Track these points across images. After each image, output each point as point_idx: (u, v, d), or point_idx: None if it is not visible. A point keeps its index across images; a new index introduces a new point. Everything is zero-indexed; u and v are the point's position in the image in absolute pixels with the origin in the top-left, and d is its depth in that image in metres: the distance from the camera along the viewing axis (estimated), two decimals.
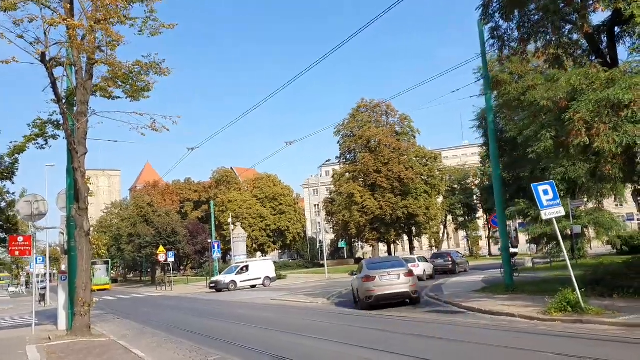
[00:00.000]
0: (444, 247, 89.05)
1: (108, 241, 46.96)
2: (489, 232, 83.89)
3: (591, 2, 15.21)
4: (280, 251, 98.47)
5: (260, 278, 40.16)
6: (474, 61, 32.49)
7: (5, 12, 13.11)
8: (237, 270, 39.86)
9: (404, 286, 17.95)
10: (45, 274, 42.98)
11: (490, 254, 79.71)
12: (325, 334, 12.85)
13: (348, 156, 65.51)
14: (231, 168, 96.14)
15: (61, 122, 15.06)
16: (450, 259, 37.71)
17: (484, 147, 44.41)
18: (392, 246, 75.70)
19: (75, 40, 13.20)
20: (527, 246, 77.31)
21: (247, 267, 40.41)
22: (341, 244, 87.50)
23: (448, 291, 21.34)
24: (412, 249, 77.66)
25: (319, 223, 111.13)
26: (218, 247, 43.30)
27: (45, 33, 13.44)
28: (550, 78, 20.53)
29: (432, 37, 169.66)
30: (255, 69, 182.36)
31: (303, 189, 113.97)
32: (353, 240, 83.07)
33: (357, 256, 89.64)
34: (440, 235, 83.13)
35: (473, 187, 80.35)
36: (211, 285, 39.54)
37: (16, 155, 19.03)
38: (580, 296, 12.49)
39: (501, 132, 39.93)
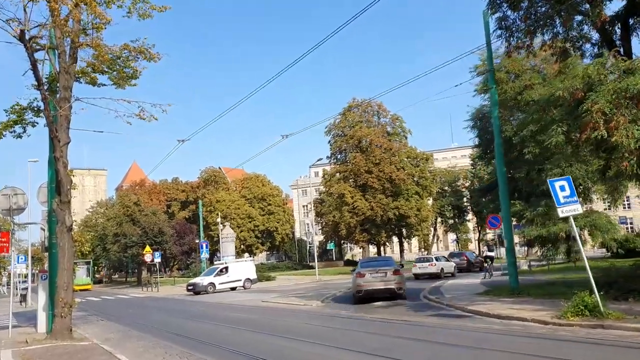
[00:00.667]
0: (434, 249, 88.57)
1: (92, 237, 45.50)
2: (479, 235, 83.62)
3: None
4: (268, 252, 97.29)
5: (240, 280, 38.78)
6: (464, 60, 31.53)
7: None
8: (216, 272, 38.34)
9: (390, 283, 20.01)
10: (27, 274, 41.61)
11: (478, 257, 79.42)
12: (326, 339, 11.94)
13: (339, 156, 64.62)
14: (219, 168, 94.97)
15: (42, 108, 13.99)
16: (465, 258, 41.35)
17: (479, 148, 43.63)
18: (382, 248, 74.96)
19: (58, 18, 12.18)
20: (518, 249, 77.45)
21: (226, 268, 38.90)
22: (330, 246, 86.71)
23: (448, 294, 20.52)
24: (401, 251, 77.01)
25: (308, 224, 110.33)
26: (206, 247, 42.10)
27: (24, 9, 12.41)
28: (560, 71, 19.89)
29: (418, 40, 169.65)
30: (254, 69, 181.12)
31: (292, 189, 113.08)
32: (342, 241, 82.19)
33: (345, 258, 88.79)
34: (430, 237, 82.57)
35: (463, 190, 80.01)
36: (189, 287, 37.76)
37: None
38: (599, 300, 11.70)
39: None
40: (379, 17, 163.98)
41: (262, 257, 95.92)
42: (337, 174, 63.36)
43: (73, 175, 13.95)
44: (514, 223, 41.23)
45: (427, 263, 36.83)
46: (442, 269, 36.09)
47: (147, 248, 46.70)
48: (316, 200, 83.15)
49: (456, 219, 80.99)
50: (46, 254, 15.60)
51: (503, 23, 17.40)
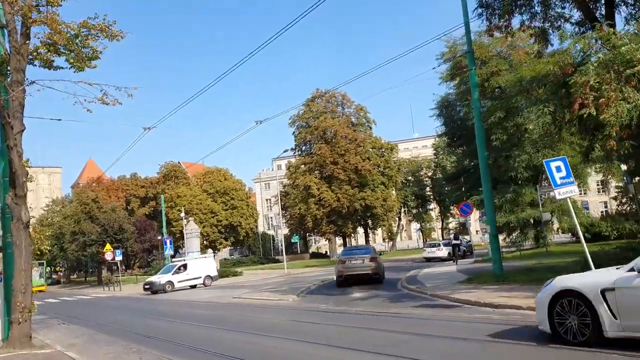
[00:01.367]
0: (398, 239, 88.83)
1: (48, 236, 43.04)
2: (442, 224, 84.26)
3: None
4: (231, 247, 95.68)
5: (200, 277, 37.10)
6: (425, 50, 31.33)
7: None
8: (174, 270, 36.37)
9: (366, 268, 22.92)
10: None
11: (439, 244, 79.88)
12: (314, 336, 11.12)
13: (303, 148, 63.81)
14: (179, 162, 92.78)
15: None
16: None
17: (445, 137, 43.46)
18: (348, 239, 74.60)
19: None
20: (480, 236, 78.26)
21: (185, 265, 36.98)
22: (294, 239, 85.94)
23: (429, 283, 19.91)
24: (367, 242, 76.82)
25: (272, 218, 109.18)
26: (170, 244, 40.60)
27: None
28: (539, 52, 19.47)
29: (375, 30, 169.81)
30: (208, 62, 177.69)
31: (255, 183, 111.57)
32: (308, 234, 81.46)
33: (311, 251, 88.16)
34: (395, 227, 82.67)
35: (426, 179, 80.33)
36: (145, 286, 35.65)
37: None
38: None
39: (462, 120, 39.13)
40: (340, 6, 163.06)
41: (225, 252, 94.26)
42: (303, 166, 62.55)
43: (28, 167, 12.65)
44: (482, 210, 41.34)
45: (435, 248, 43.44)
46: (448, 253, 40.18)
47: (108, 246, 44.88)
48: (281, 193, 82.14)
49: (420, 209, 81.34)
50: (0, 254, 14.17)
51: (484, 1, 16.79)
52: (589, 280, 7.96)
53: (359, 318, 13.44)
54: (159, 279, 35.70)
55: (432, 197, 79.89)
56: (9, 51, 12.71)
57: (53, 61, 13.76)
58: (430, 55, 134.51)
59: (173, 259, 42.76)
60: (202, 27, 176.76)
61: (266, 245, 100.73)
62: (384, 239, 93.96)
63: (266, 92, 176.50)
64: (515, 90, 18.18)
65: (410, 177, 78.71)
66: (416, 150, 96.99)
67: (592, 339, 7.55)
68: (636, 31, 13.39)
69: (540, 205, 32.86)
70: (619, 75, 12.12)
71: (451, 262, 35.38)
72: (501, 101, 34.84)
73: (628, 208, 45.19)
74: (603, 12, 16.31)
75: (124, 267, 66.63)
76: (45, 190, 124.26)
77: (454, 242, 37.14)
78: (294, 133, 64.25)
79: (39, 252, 15.03)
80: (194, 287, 36.43)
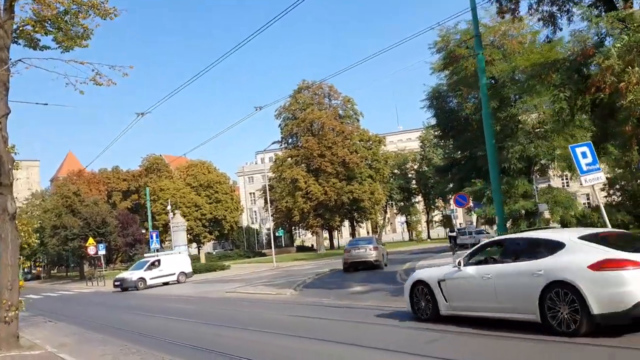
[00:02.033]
0: (383, 233, 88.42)
1: (49, 222, 40.87)
2: (428, 217, 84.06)
3: None
4: (215, 241, 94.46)
5: (174, 274, 35.24)
6: (413, 42, 30.60)
7: None
8: (147, 266, 34.42)
9: (368, 256, 26.51)
10: None
11: (430, 238, 79.83)
12: (326, 335, 10.38)
13: (290, 140, 62.92)
14: (160, 155, 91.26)
15: None
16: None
17: (437, 128, 42.87)
18: (335, 232, 74.07)
19: None
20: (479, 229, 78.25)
21: (158, 261, 35.06)
22: (279, 233, 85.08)
23: None
24: (353, 235, 76.28)
25: (256, 212, 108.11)
26: (156, 237, 39.42)
27: None
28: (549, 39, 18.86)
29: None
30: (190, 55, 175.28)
31: (238, 176, 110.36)
32: (293, 227, 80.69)
33: (296, 244, 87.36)
34: (381, 220, 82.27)
35: (411, 172, 79.91)
36: (116, 283, 33.71)
37: None
38: None
39: (454, 111, 38.58)
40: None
41: (209, 246, 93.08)
42: (289, 159, 61.66)
43: (15, 153, 11.67)
44: (473, 202, 40.94)
45: (468, 236, 41.39)
46: (479, 240, 40.64)
47: (91, 240, 43.68)
48: (265, 187, 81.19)
49: (406, 202, 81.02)
50: None
51: None
52: (432, 274, 10.43)
53: (367, 313, 12.73)
54: (131, 275, 33.92)
55: (418, 190, 79.58)
56: None
57: (39, 40, 12.80)
58: (415, 49, 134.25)
59: (145, 255, 41.11)
60: (198, 22, 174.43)
61: (250, 239, 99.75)
62: (368, 232, 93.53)
63: (250, 85, 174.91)
64: (527, 74, 17.33)
65: (396, 170, 78.29)
66: (401, 143, 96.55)
67: (433, 317, 10.05)
68: None
69: (537, 197, 32.40)
70: None
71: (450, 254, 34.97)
72: (528, 81, 34.55)
73: (618, 199, 45.22)
74: None
75: (103, 262, 65.33)
76: (22, 184, 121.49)
77: (450, 234, 36.76)
78: (280, 125, 63.38)
79: (26, 246, 13.96)
80: (166, 283, 34.68)
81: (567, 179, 65.77)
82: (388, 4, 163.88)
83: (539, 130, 34.17)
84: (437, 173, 49.89)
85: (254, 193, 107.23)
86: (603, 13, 15.59)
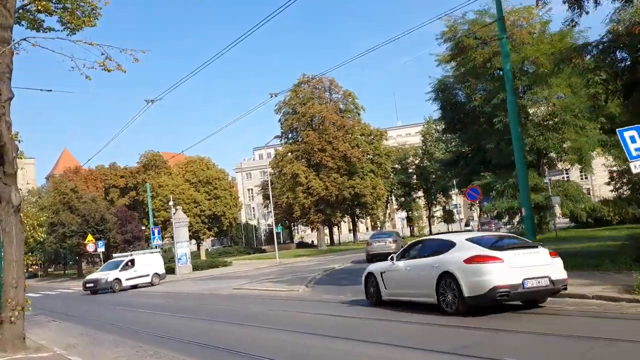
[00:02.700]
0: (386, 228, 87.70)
1: (46, 219, 39.65)
2: (429, 212, 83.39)
3: None
4: (214, 238, 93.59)
5: (148, 275, 32.41)
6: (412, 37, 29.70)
7: None
8: (122, 266, 31.63)
9: (388, 248, 27.93)
10: None
11: (431, 233, 79.09)
12: (354, 334, 9.64)
13: (290, 135, 61.98)
14: (158, 152, 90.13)
15: None
16: (493, 227, 43.91)
17: (441, 122, 42.12)
18: (334, 229, 73.30)
19: None
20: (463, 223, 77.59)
21: (132, 261, 32.23)
22: (277, 229, 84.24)
23: None
24: (355, 231, 75.68)
25: (254, 208, 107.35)
26: (158, 233, 38.46)
27: None
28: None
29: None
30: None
31: (236, 172, 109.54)
32: (293, 224, 79.89)
33: (295, 240, 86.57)
34: (382, 216, 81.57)
35: (412, 167, 79.12)
36: (88, 285, 30.85)
37: None
38: None
39: (461, 103, 37.79)
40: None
41: (207, 243, 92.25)
42: (290, 154, 60.74)
43: (18, 141, 10.82)
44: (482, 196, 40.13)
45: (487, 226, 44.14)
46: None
47: (90, 237, 42.83)
48: (264, 182, 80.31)
49: (407, 197, 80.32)
50: None
51: None
52: (378, 267, 12.83)
53: (392, 311, 11.97)
54: (106, 275, 30.89)
55: (419, 185, 78.87)
56: None
57: (43, 21, 11.99)
58: (416, 44, 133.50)
59: (114, 255, 38.26)
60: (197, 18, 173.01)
61: (249, 235, 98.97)
62: (367, 229, 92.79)
63: (250, 81, 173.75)
64: (555, 59, 16.51)
65: (397, 165, 77.55)
66: (400, 138, 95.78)
67: (378, 301, 12.49)
68: None
69: (549, 189, 31.65)
70: None
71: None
72: (559, 65, 33.71)
73: (628, 192, 44.60)
74: None
75: (100, 259, 64.42)
76: (18, 181, 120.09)
77: (466, 228, 36.38)
78: (279, 120, 62.44)
79: (31, 240, 13.06)
80: (135, 287, 31.72)
81: (567, 173, 65.02)
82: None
83: (549, 122, 33.51)
84: (444, 167, 49.04)
85: (251, 189, 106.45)
86: None
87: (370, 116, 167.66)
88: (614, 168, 47.49)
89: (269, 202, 76.39)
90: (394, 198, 79.43)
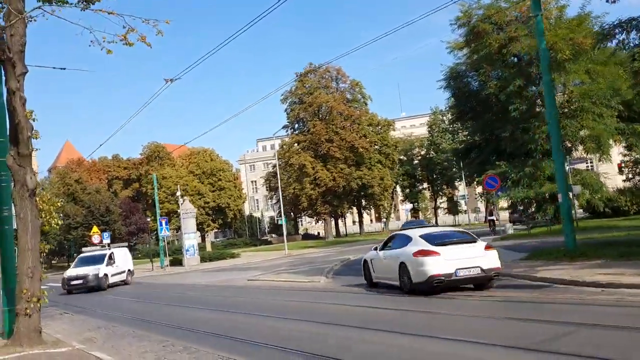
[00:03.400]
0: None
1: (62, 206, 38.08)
2: (435, 203, 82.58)
3: None
4: (217, 230, 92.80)
5: (124, 272, 28.79)
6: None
7: None
8: (107, 261, 27.17)
9: None
10: None
11: (437, 224, 78.17)
12: (409, 328, 8.87)
13: (297, 125, 61.14)
14: (161, 144, 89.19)
15: None
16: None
17: (453, 110, 41.41)
18: (340, 221, 72.54)
19: None
20: (475, 216, 76.77)
21: (111, 256, 28.01)
22: (281, 221, 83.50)
23: None
24: (361, 222, 74.93)
25: (258, 200, 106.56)
26: (166, 224, 37.63)
27: None
28: None
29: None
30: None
31: (239, 164, 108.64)
32: (298, 215, 79.12)
33: (300, 232, 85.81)
34: (387, 207, 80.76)
35: (418, 158, 78.24)
36: (73, 282, 26.11)
37: None
38: None
39: (473, 92, 36.93)
40: None
41: (211, 235, 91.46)
42: (296, 144, 59.88)
43: (33, 120, 10.03)
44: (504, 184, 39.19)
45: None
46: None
47: (95, 228, 42.16)
48: (269, 174, 79.46)
49: (412, 188, 79.54)
50: None
51: None
52: (369, 255, 15.00)
53: (444, 303, 11.21)
54: (97, 270, 26.12)
55: (425, 176, 78.02)
56: None
57: None
58: (422, 35, 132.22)
59: (84, 249, 34.57)
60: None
61: (253, 227, 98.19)
62: (371, 220, 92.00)
63: (249, 74, 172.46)
64: (597, 35, 15.61)
65: (402, 157, 76.70)
66: (405, 129, 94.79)
67: (370, 283, 14.83)
68: None
69: (570, 177, 30.78)
70: None
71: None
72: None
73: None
74: None
75: None
76: None
77: (489, 217, 35.93)
78: (286, 110, 61.57)
79: (47, 226, 12.06)
80: (114, 285, 27.65)
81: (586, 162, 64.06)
82: None
83: (565, 109, 32.66)
84: (456, 157, 48.09)
85: (255, 181, 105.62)
86: None
87: (374, 108, 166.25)
88: (626, 158, 46.72)
89: (274, 194, 76.00)
90: (399, 189, 78.52)
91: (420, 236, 12.77)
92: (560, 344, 6.46)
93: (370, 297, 13.45)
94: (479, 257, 11.95)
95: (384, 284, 13.96)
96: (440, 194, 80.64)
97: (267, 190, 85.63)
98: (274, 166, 74.72)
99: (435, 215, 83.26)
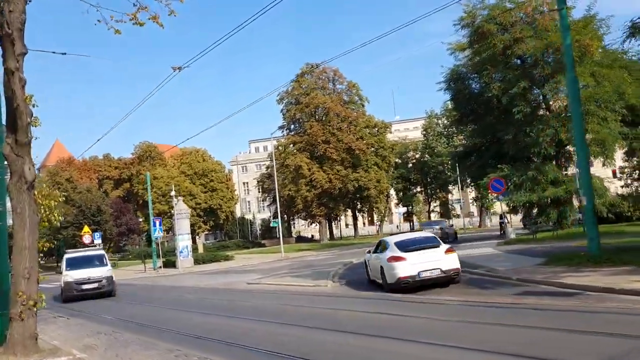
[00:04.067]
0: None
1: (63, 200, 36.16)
2: (429, 207, 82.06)
3: None
4: (209, 231, 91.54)
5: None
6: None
7: None
8: (108, 262, 23.81)
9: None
10: None
11: (451, 225, 77.44)
12: (424, 336, 8.10)
13: (292, 126, 60.25)
14: (153, 144, 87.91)
15: None
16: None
17: (456, 111, 40.79)
18: (335, 222, 71.71)
19: None
20: (468, 220, 76.28)
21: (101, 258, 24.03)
22: (273, 224, 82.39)
23: (496, 265, 16.68)
24: (355, 225, 74.27)
25: (250, 202, 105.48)
26: (160, 225, 36.59)
27: None
28: None
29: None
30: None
31: (231, 165, 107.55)
32: (292, 218, 78.14)
33: (293, 235, 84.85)
34: (382, 210, 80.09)
35: (413, 162, 77.70)
36: (85, 286, 21.67)
37: None
38: None
39: (475, 94, 36.36)
40: None
41: (202, 237, 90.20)
42: (292, 145, 58.96)
43: (33, 105, 9.16)
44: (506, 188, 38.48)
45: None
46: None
47: (86, 228, 41.13)
48: (263, 175, 78.42)
49: (406, 191, 78.99)
50: None
51: None
52: (366, 257, 16.97)
53: (463, 310, 10.46)
54: (108, 272, 22.70)
55: (419, 180, 77.51)
56: None
57: None
58: (418, 38, 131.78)
59: (67, 250, 29.33)
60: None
61: (244, 229, 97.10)
62: (364, 224, 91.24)
63: (248, 74, 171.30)
64: (625, 28, 14.84)
65: (397, 160, 76.12)
66: (399, 133, 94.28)
67: (368, 281, 16.51)
68: None
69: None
70: None
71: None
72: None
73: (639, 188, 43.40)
74: None
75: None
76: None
77: (500, 221, 35.68)
78: (282, 111, 60.63)
79: (46, 223, 11.01)
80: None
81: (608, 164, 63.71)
82: None
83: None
84: (453, 160, 47.50)
85: (247, 183, 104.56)
86: None
87: (370, 111, 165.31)
88: (626, 164, 46.33)
89: (267, 196, 75.00)
90: (393, 192, 77.93)
91: (395, 243, 14.60)
92: None
93: (389, 303, 12.69)
94: (439, 260, 13.67)
95: (377, 282, 15.43)
96: (434, 197, 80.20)
97: (259, 192, 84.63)
98: (268, 167, 73.76)
99: (429, 218, 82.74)
